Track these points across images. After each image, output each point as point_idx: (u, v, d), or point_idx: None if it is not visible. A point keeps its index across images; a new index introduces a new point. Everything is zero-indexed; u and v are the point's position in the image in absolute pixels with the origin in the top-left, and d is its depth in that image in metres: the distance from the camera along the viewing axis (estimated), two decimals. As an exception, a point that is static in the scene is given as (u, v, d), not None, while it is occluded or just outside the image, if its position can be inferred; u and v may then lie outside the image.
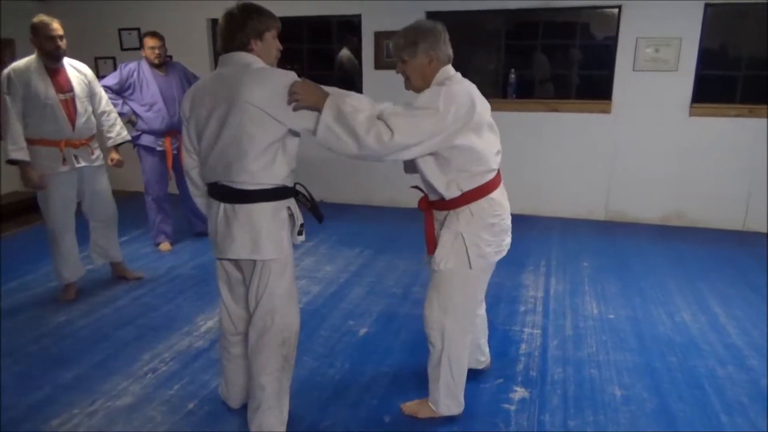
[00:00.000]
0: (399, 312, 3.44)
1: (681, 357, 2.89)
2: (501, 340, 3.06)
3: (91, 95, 3.55)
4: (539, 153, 5.28)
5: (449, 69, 2.13)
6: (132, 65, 4.27)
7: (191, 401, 2.54)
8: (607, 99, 5.09)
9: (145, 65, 4.28)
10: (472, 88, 2.09)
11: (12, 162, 3.29)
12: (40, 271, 4.05)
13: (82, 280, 3.74)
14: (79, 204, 3.62)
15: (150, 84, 4.24)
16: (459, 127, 1.98)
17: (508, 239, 2.27)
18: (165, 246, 4.53)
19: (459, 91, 2.02)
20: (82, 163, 3.48)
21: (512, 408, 2.47)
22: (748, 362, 2.85)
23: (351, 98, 1.97)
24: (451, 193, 2.11)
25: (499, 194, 2.20)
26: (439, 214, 2.24)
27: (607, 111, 5.08)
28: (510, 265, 3.89)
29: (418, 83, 2.12)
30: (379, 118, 1.96)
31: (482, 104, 2.09)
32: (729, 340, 3.07)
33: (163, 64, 4.33)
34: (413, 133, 1.95)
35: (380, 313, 3.43)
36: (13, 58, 5.54)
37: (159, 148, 4.27)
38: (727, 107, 4.86)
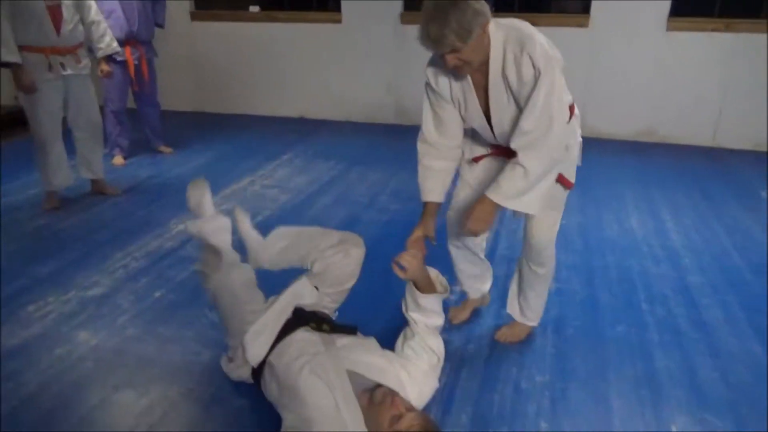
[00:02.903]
0: (362, 218, 3.61)
1: (620, 257, 3.08)
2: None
3: (80, 4, 3.55)
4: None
5: (499, 30, 1.79)
6: None
7: (157, 291, 2.74)
8: (585, 13, 5.03)
9: None
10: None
11: (4, 65, 3.34)
12: (20, 180, 4.18)
13: (62, 191, 3.87)
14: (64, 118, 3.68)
15: None
16: None
17: None
18: (118, 160, 4.60)
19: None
20: (69, 71, 3.52)
21: (451, 298, 2.67)
22: (682, 261, 3.03)
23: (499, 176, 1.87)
24: None
25: None
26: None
27: (585, 25, 5.04)
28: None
29: (480, 57, 1.78)
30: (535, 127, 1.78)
31: None
32: (669, 243, 3.24)
33: None
34: (563, 99, 1.81)
35: (343, 219, 3.59)
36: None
37: (119, 59, 4.23)
38: (704, 21, 4.81)
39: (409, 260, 1.86)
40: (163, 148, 4.87)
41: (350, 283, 2.16)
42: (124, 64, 4.32)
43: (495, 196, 1.86)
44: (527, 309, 2.34)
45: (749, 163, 4.64)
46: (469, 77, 1.86)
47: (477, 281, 2.48)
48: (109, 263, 3.02)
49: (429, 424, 1.66)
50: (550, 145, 1.79)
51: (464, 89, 1.90)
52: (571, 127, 1.96)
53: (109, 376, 2.17)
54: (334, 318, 2.17)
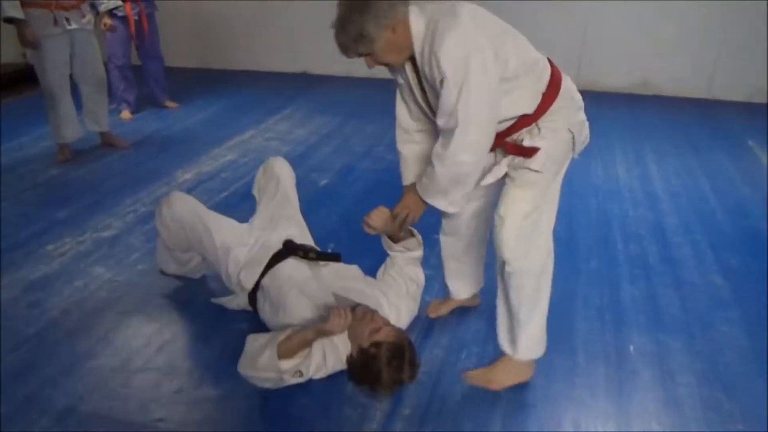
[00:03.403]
0: (358, 167, 3.78)
1: (601, 201, 3.24)
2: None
3: None
4: (513, 20, 5.29)
5: (419, 16, 1.63)
6: None
7: (165, 233, 2.95)
8: (583, -37, 5.04)
9: None
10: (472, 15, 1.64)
11: (8, 20, 3.47)
12: (32, 134, 4.36)
13: (73, 144, 4.05)
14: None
15: None
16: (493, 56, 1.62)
17: None
18: (126, 115, 4.74)
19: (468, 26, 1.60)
20: (74, 26, 3.65)
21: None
22: (660, 206, 3.19)
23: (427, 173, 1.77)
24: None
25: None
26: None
27: (582, -24, 5.05)
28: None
29: (399, 57, 1.68)
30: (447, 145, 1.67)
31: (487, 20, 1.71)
32: (651, 189, 3.40)
33: None
34: (481, 99, 1.62)
35: (340, 168, 3.77)
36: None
37: (120, 14, 4.32)
38: (701, -29, 4.81)
39: (376, 218, 1.94)
40: (168, 103, 5.02)
41: (283, 195, 2.42)
42: (125, 19, 4.41)
43: (417, 186, 1.83)
44: (513, 339, 1.89)
45: (741, 114, 4.72)
46: (407, 70, 1.74)
47: (462, 280, 2.22)
48: (120, 208, 3.23)
49: (402, 336, 1.87)
50: (458, 149, 1.65)
51: (409, 82, 1.77)
52: (550, 116, 1.73)
53: (123, 304, 2.40)
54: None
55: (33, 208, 3.24)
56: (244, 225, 2.39)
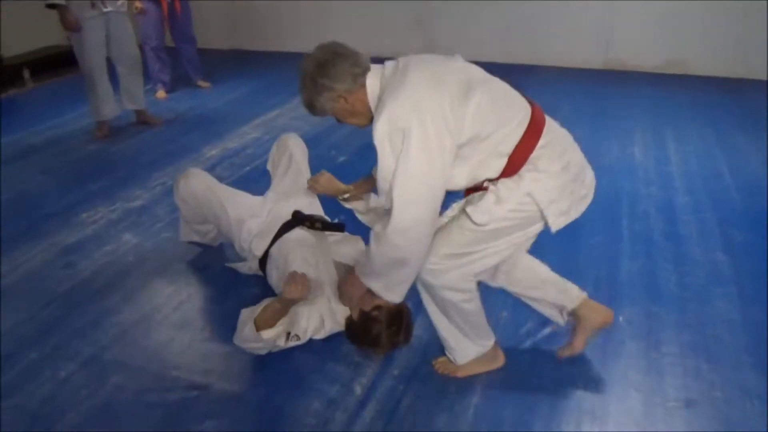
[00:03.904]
0: (377, 145, 3.89)
1: (613, 179, 3.25)
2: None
3: None
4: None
5: (375, 79, 1.62)
6: None
7: (189, 204, 3.14)
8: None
9: None
10: (419, 90, 1.52)
11: (51, 6, 3.72)
12: (74, 112, 4.64)
13: (111, 121, 4.29)
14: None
15: None
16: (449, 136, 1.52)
17: None
18: (161, 94, 4.97)
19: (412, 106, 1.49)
20: (109, 9, 3.87)
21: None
22: (673, 184, 3.19)
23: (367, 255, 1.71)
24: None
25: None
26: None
27: (612, -47, 4.96)
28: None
29: (360, 120, 1.69)
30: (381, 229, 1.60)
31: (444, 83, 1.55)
32: (666, 168, 3.38)
33: None
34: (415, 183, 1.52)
35: (360, 146, 3.88)
36: None
37: None
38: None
39: (319, 182, 2.10)
40: (201, 83, 5.22)
41: (296, 169, 2.52)
42: (158, 2, 4.62)
43: (356, 267, 1.79)
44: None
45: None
46: None
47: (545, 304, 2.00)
48: (149, 181, 3.44)
49: (401, 302, 1.99)
50: (394, 231, 1.54)
51: None
52: (516, 178, 1.62)
53: (147, 267, 2.60)
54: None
55: (71, 180, 3.49)
56: (258, 198, 2.54)
